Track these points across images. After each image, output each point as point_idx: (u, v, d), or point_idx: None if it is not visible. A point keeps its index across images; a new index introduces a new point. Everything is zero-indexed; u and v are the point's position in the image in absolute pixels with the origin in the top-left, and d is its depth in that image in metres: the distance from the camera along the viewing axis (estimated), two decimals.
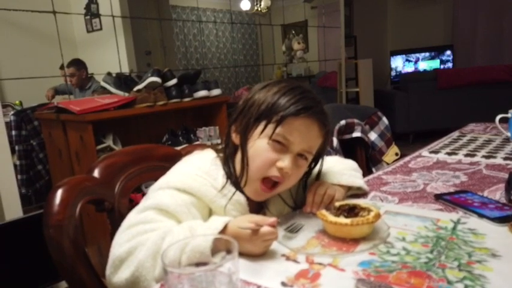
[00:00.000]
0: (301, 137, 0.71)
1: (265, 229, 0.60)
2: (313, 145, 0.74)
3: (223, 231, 0.61)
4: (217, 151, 0.80)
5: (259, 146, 0.72)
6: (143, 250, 0.60)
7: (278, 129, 0.70)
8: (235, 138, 0.76)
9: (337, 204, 0.73)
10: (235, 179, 0.74)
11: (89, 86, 3.40)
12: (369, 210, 0.68)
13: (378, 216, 0.66)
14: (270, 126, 0.70)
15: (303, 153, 0.73)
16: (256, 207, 0.78)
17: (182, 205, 0.68)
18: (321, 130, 0.74)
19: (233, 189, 0.73)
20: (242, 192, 0.74)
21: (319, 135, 0.74)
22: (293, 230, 0.72)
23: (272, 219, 0.61)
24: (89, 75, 3.44)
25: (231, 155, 0.76)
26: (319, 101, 0.75)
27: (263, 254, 0.62)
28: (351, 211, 0.70)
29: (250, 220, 0.61)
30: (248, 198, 0.74)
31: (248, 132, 0.73)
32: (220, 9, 6.82)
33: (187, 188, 0.70)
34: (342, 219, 0.66)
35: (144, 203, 0.70)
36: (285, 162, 0.71)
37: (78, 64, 3.40)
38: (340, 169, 0.88)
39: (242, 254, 0.60)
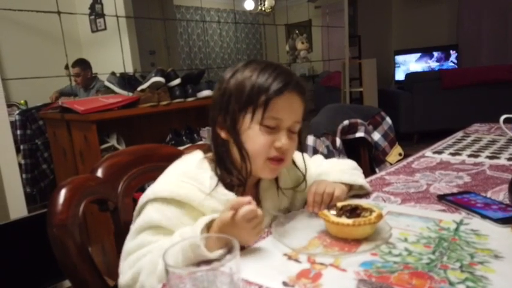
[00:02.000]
0: (289, 112, 0.73)
1: (243, 209, 0.60)
2: (299, 115, 0.76)
3: (210, 229, 0.62)
4: (205, 151, 0.80)
5: (253, 135, 0.73)
6: (144, 274, 0.62)
7: (266, 113, 0.71)
8: (224, 134, 0.76)
9: (339, 204, 0.73)
10: (237, 173, 0.75)
11: (93, 85, 3.42)
12: (371, 211, 0.68)
13: (380, 216, 0.66)
14: (258, 112, 0.71)
15: (293, 125, 0.75)
16: None
17: (172, 218, 0.67)
18: (301, 99, 0.76)
19: (222, 189, 0.72)
20: (234, 190, 0.74)
21: (302, 103, 0.76)
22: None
23: (247, 198, 0.61)
24: (93, 74, 3.46)
25: (225, 152, 0.76)
26: (289, 70, 0.77)
27: (256, 238, 0.63)
28: (353, 212, 0.70)
29: (227, 207, 0.61)
30: (237, 195, 0.74)
31: (237, 125, 0.73)
32: (224, 9, 6.82)
33: (175, 195, 0.69)
34: (344, 220, 0.66)
35: (136, 222, 0.70)
36: (281, 141, 0.73)
37: (83, 64, 3.42)
38: (340, 168, 0.88)
39: (242, 249, 0.60)
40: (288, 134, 0.74)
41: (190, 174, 0.73)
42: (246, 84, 0.72)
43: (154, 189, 0.71)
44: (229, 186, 0.74)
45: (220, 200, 0.71)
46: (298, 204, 0.88)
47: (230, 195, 0.72)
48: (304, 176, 0.84)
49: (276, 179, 0.83)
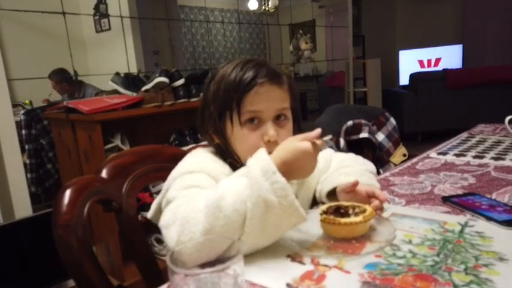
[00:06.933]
0: (266, 102, 0.71)
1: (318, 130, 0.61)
2: (281, 101, 0.73)
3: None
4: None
5: (239, 136, 0.72)
6: (188, 208, 0.59)
7: (241, 111, 0.70)
8: (217, 139, 0.77)
9: (323, 207, 0.72)
10: (239, 164, 0.76)
11: (82, 93, 3.29)
12: (355, 207, 0.68)
13: (373, 212, 0.68)
14: (234, 114, 0.71)
15: (279, 114, 0.73)
16: None
17: (205, 183, 0.68)
18: (278, 85, 0.73)
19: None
20: None
21: (280, 89, 0.73)
22: None
23: (317, 130, 0.62)
24: (70, 85, 3.34)
25: (220, 152, 0.77)
26: (261, 62, 0.74)
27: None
28: (337, 212, 0.69)
29: (298, 138, 0.62)
30: None
31: (225, 132, 0.74)
32: (228, 9, 6.83)
33: (199, 169, 0.70)
34: (350, 219, 0.66)
35: (170, 191, 0.68)
36: (268, 133, 0.71)
37: (57, 75, 3.30)
38: (360, 169, 0.84)
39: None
40: (276, 123, 0.73)
41: (209, 157, 0.75)
42: (219, 89, 0.72)
43: (182, 168, 0.71)
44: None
45: None
46: (303, 200, 0.86)
47: None
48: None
49: None
